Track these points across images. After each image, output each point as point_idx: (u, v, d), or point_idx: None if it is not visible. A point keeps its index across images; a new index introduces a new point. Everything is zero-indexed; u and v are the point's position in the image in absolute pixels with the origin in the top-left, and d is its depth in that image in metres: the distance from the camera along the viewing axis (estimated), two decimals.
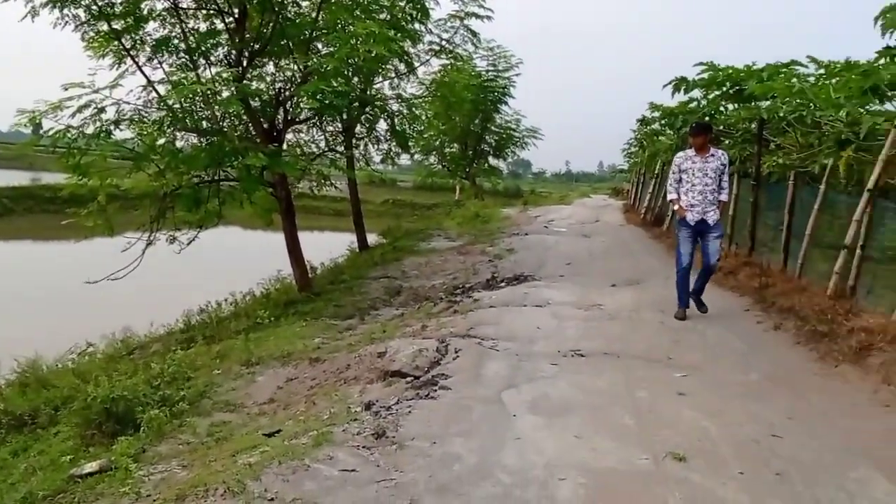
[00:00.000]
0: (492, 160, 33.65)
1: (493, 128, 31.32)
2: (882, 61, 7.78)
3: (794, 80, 10.44)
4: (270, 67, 11.36)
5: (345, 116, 13.29)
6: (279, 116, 11.02)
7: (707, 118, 12.58)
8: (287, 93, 10.97)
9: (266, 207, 10.88)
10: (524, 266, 11.12)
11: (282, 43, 10.26)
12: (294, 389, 5.83)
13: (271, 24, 9.93)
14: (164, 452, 4.50)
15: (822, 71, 9.68)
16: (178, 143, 10.57)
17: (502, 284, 9.67)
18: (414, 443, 3.79)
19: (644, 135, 20.79)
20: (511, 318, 7.19)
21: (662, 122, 16.29)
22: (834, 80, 9.13)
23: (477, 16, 14.30)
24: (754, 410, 4.46)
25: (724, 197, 7.08)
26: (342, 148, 14.22)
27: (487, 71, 28.73)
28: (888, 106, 8.11)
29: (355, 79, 12.70)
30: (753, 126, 10.65)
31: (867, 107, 8.06)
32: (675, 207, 7.24)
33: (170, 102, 9.26)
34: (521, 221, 21.06)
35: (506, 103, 30.15)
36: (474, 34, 14.82)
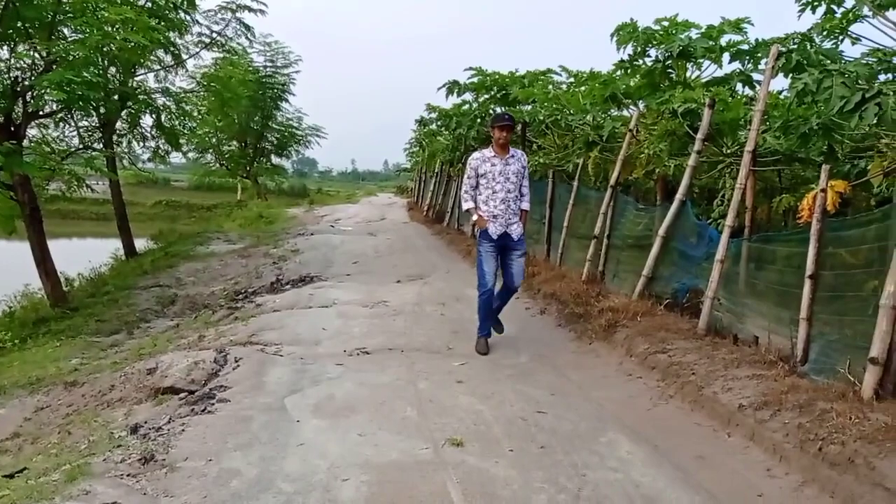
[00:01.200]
0: (275, 159, 32.75)
1: (274, 125, 30.44)
2: (618, 73, 8.90)
3: (551, 87, 11.55)
4: (4, 52, 9.87)
5: (102, 111, 11.99)
6: (17, 109, 9.61)
7: (479, 120, 13.45)
8: (27, 83, 9.60)
9: (5, 213, 9.46)
10: (310, 267, 10.96)
11: (18, 25, 8.95)
12: (45, 420, 5.14)
13: (2, 4, 8.62)
14: None
15: (572, 79, 10.84)
16: None
17: (287, 287, 9.43)
18: (187, 463, 3.53)
19: (423, 135, 21.57)
20: (296, 321, 7.03)
21: (439, 122, 17.07)
22: (582, 88, 10.27)
23: (250, 9, 13.81)
24: (522, 390, 4.84)
25: (525, 205, 6.04)
26: (101, 145, 12.83)
27: (265, 66, 27.87)
28: (626, 112, 9.28)
29: (112, 69, 11.50)
30: (518, 128, 11.53)
31: (609, 112, 9.17)
32: (475, 218, 6.03)
33: None
34: (308, 221, 20.75)
35: (286, 100, 29.47)
36: (248, 28, 14.28)
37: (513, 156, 5.97)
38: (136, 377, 5.47)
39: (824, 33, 5.67)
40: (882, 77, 5.03)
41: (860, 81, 4.31)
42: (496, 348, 6.09)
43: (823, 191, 4.51)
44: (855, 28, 5.44)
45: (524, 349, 6.09)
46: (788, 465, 3.53)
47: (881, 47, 5.19)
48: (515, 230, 5.93)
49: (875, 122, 3.96)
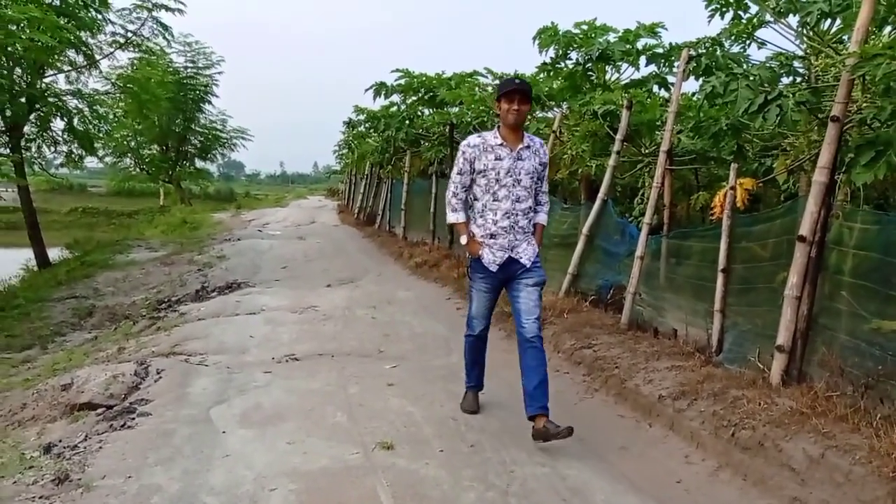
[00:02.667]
0: (199, 162, 31.77)
1: (196, 128, 29.53)
2: (541, 76, 9.08)
3: (477, 88, 11.67)
4: None
5: (8, 114, 11.34)
6: None
7: (407, 121, 13.46)
8: None
9: None
10: (237, 273, 10.70)
11: None
12: None
13: None
14: None
15: (497, 81, 10.97)
16: None
17: (213, 294, 9.18)
18: (105, 481, 3.38)
19: (352, 137, 21.41)
20: (222, 329, 6.84)
21: (367, 125, 16.99)
22: None
23: (167, 8, 13.33)
24: (453, 390, 4.87)
25: (542, 218, 4.17)
26: (7, 150, 12.12)
27: (186, 67, 27.01)
28: (549, 114, 9.50)
29: (18, 70, 10.90)
30: (446, 129, 11.63)
31: (534, 114, 9.35)
32: (463, 239, 4.15)
33: None
34: (235, 226, 20.26)
35: (209, 102, 28.65)
36: (165, 27, 13.81)
37: (528, 146, 3.97)
38: (49, 394, 5.20)
39: (732, 38, 5.97)
40: (784, 80, 5.33)
41: (764, 84, 4.56)
42: (427, 349, 6.10)
43: (733, 188, 4.75)
44: (761, 33, 5.74)
45: (455, 349, 6.12)
46: (705, 452, 3.70)
47: (783, 51, 5.50)
48: (527, 252, 4.00)
49: (777, 122, 4.19)
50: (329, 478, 3.42)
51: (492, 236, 4.01)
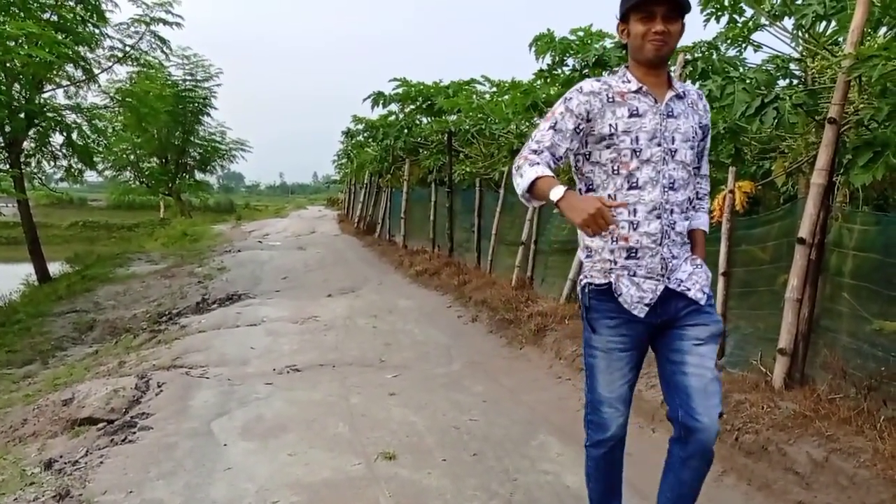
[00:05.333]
0: (198, 174, 31.80)
1: (196, 140, 29.58)
2: (538, 82, 9.10)
3: (474, 96, 11.71)
4: None
5: (7, 129, 11.37)
6: None
7: (406, 130, 13.48)
8: None
9: None
10: (237, 285, 10.70)
11: None
12: None
13: None
14: None
15: (494, 89, 11.01)
16: None
17: (213, 306, 9.17)
18: (106, 497, 3.36)
19: (351, 147, 21.44)
20: (222, 341, 6.83)
21: (366, 134, 17.02)
22: (505, 97, 10.45)
23: (165, 22, 13.40)
24: (455, 398, 4.86)
25: (704, 220, 2.52)
26: (7, 165, 12.15)
27: (184, 80, 27.08)
28: None
29: (17, 85, 10.93)
30: (444, 138, 11.65)
31: (531, 120, 9.36)
32: (556, 193, 2.08)
33: None
34: (235, 237, 20.26)
35: (208, 114, 28.72)
36: (164, 41, 13.86)
37: (680, 94, 2.35)
38: (50, 409, 5.18)
39: (728, 41, 5.98)
40: (781, 83, 5.33)
41: (761, 87, 4.56)
42: (428, 358, 6.09)
43: (731, 192, 4.75)
44: (756, 36, 5.75)
45: (456, 357, 6.12)
46: None
47: (779, 54, 5.51)
48: (693, 278, 2.36)
49: (774, 125, 4.18)
50: (331, 489, 3.40)
51: (631, 253, 2.28)
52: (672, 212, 2.30)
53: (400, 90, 12.56)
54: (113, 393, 5.20)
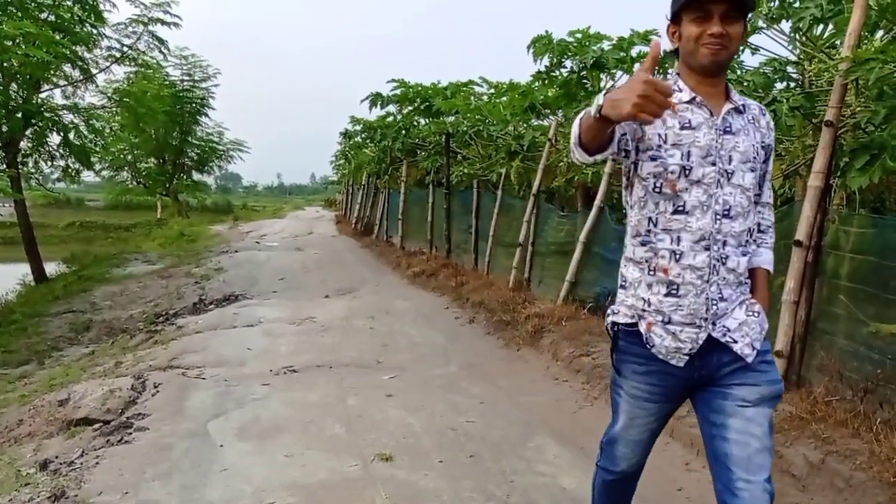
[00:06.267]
0: (196, 175, 31.76)
1: (193, 140, 29.56)
2: (536, 84, 9.11)
3: (472, 98, 11.72)
4: None
5: (4, 129, 11.34)
6: None
7: (404, 131, 13.49)
8: None
9: None
10: (234, 285, 10.68)
11: None
12: None
13: None
14: None
15: (492, 90, 11.02)
16: None
17: (210, 307, 9.15)
18: (101, 498, 3.35)
19: (349, 147, 21.45)
20: (219, 341, 6.82)
21: (364, 135, 17.03)
22: (502, 99, 10.47)
23: (163, 22, 13.37)
24: (452, 400, 4.85)
25: (768, 257, 2.11)
26: (4, 165, 12.12)
27: (182, 80, 27.06)
28: (545, 122, 9.52)
29: (14, 85, 10.91)
30: (442, 139, 11.64)
31: (529, 122, 9.37)
32: (599, 99, 1.69)
33: None
34: (232, 238, 20.24)
35: (206, 115, 28.70)
36: (161, 41, 13.84)
37: (739, 108, 1.98)
38: (46, 409, 5.16)
39: None
40: (778, 85, 5.34)
41: (758, 90, 4.57)
42: (426, 359, 6.08)
43: None
44: (754, 39, 5.76)
45: (454, 359, 6.12)
46: (705, 459, 3.66)
47: (777, 57, 5.52)
48: (745, 329, 1.96)
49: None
50: (328, 490, 3.40)
51: (672, 290, 1.93)
52: (725, 244, 1.91)
53: (398, 91, 12.58)
54: (109, 393, 5.19)
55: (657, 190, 1.93)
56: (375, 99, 13.15)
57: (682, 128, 1.91)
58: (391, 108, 13.58)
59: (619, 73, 7.97)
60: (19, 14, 9.41)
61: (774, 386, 1.95)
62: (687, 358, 1.96)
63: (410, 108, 13.12)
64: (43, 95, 12.49)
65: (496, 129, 9.59)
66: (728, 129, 1.94)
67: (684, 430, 3.93)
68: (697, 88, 1.95)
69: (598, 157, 1.86)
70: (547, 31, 8.04)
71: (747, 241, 1.98)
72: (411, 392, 5.10)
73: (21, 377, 7.08)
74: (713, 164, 1.90)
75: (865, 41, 4.41)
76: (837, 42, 4.72)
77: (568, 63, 8.13)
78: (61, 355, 7.94)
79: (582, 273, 6.87)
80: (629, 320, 2.02)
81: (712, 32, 1.87)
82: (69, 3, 10.74)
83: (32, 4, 9.85)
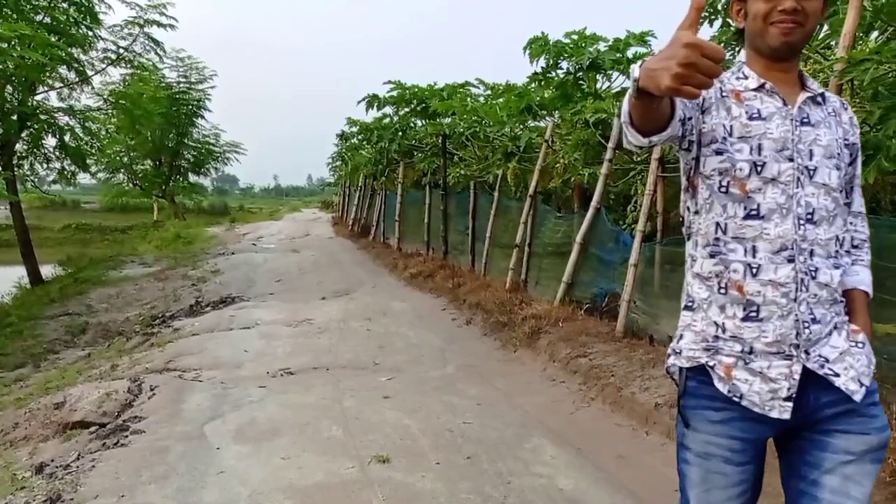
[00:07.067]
0: (192, 177, 31.73)
1: (190, 142, 29.53)
2: (533, 85, 9.12)
3: (469, 99, 11.72)
4: None
5: None
6: None
7: (400, 133, 13.48)
8: None
9: None
10: (231, 287, 10.67)
11: None
12: None
13: None
14: None
15: (489, 92, 11.03)
16: None
17: (207, 309, 9.14)
18: (97, 501, 3.34)
19: (346, 149, 21.43)
20: (216, 344, 6.81)
21: (360, 136, 17.02)
22: (499, 100, 10.48)
23: (159, 24, 13.36)
24: (449, 401, 4.85)
25: (865, 275, 1.75)
26: None
27: (179, 82, 27.03)
28: (541, 123, 9.53)
29: (9, 87, 10.88)
30: (439, 140, 11.64)
31: (525, 123, 9.38)
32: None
33: None
34: (229, 240, 20.20)
35: (202, 117, 28.68)
36: (157, 43, 13.84)
37: (816, 97, 1.67)
38: (42, 413, 5.14)
39: (721, 45, 6.00)
40: None
41: None
42: (423, 361, 6.08)
43: None
44: None
45: (451, 360, 6.11)
46: None
47: None
48: (846, 359, 1.59)
49: None
50: (324, 493, 3.39)
51: (750, 312, 1.58)
52: (812, 253, 1.58)
53: (394, 93, 12.59)
54: (105, 396, 5.17)
55: (723, 190, 1.60)
56: (372, 100, 13.16)
57: (751, 118, 1.61)
58: (388, 109, 13.59)
59: (616, 74, 8.00)
60: (14, 16, 9.38)
61: (882, 434, 1.57)
62: (790, 406, 1.53)
63: (407, 109, 13.13)
64: (38, 97, 12.48)
65: (493, 131, 9.59)
66: (805, 119, 1.63)
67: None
68: (766, 74, 1.65)
69: (656, 140, 1.52)
70: (543, 33, 8.06)
71: (837, 251, 1.64)
72: (408, 394, 5.09)
73: (17, 380, 7.06)
74: (790, 159, 1.59)
75: (860, 42, 4.42)
76: (832, 43, 4.74)
77: (564, 64, 8.16)
78: (57, 358, 7.92)
79: (578, 274, 6.87)
80: (698, 354, 1.63)
81: (784, 8, 1.58)
82: (65, 4, 10.73)
83: (28, 6, 9.82)
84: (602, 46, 7.80)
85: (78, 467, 3.83)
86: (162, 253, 17.46)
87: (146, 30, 13.52)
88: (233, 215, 36.68)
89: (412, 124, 13.32)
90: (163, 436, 4.27)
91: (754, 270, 1.57)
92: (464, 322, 7.55)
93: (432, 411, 4.64)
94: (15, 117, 11.29)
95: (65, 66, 11.51)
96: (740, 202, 1.58)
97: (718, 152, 1.60)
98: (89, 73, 12.70)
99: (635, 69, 1.35)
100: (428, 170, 12.60)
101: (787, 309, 1.55)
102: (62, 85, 12.51)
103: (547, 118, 8.84)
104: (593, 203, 6.60)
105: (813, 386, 1.56)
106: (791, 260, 1.56)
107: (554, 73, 8.32)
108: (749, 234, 1.58)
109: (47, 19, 10.40)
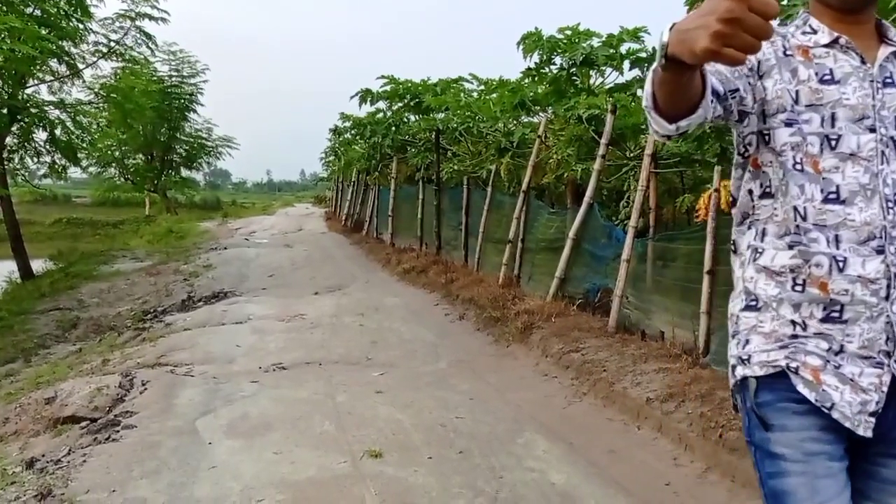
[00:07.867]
0: (184, 171, 31.58)
1: (182, 137, 29.39)
2: (526, 81, 9.12)
3: (462, 94, 11.71)
4: None
5: None
6: None
7: (393, 128, 13.46)
8: None
9: None
10: (223, 282, 10.63)
11: None
12: None
13: None
14: None
15: (482, 87, 11.03)
16: None
17: (199, 304, 9.11)
18: (89, 496, 3.34)
19: (339, 144, 21.38)
20: (208, 339, 6.79)
21: (353, 131, 16.99)
22: (493, 96, 10.47)
23: (150, 17, 13.28)
24: (442, 396, 4.86)
25: None
26: None
27: (170, 76, 26.88)
28: (535, 118, 9.53)
29: None
30: (432, 136, 11.63)
31: (519, 119, 9.39)
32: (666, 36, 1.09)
33: None
34: (221, 235, 20.14)
35: (194, 111, 28.55)
36: (149, 36, 13.75)
37: None
38: (32, 408, 5.12)
39: None
40: None
41: None
42: (415, 356, 6.08)
43: (717, 190, 4.77)
44: None
45: (443, 355, 6.12)
46: (693, 454, 3.70)
47: None
48: None
49: None
50: (317, 487, 3.39)
51: (833, 312, 1.33)
52: None
53: (388, 88, 12.57)
54: (96, 391, 5.15)
55: (798, 168, 1.34)
56: (365, 95, 13.13)
57: (822, 81, 1.34)
58: (381, 104, 13.58)
59: (609, 70, 8.01)
60: (4, 8, 9.30)
61: None
62: (874, 422, 1.31)
63: (400, 104, 13.11)
64: (29, 91, 12.39)
65: (486, 126, 9.59)
66: (889, 80, 1.36)
67: (672, 424, 3.95)
68: (836, 27, 1.38)
69: (685, 126, 1.24)
70: (537, 28, 8.06)
71: None
72: (401, 389, 5.09)
73: (7, 375, 7.02)
74: (872, 129, 1.33)
75: None
76: None
77: (558, 60, 8.16)
78: (48, 353, 7.88)
79: (571, 269, 6.88)
80: (774, 356, 1.37)
81: None
82: None
83: None
84: (595, 42, 7.81)
85: (69, 462, 3.82)
86: (154, 248, 17.39)
87: (138, 23, 13.45)
88: (225, 210, 36.50)
89: (405, 119, 13.31)
90: (154, 430, 4.26)
91: (840, 265, 1.32)
92: (457, 317, 7.56)
93: (425, 406, 4.64)
94: (5, 111, 11.21)
95: (55, 60, 11.44)
96: (815, 183, 1.34)
97: (788, 123, 1.35)
98: (80, 66, 12.63)
99: (665, 32, 1.10)
100: (421, 165, 12.59)
101: (877, 309, 1.30)
102: (53, 78, 12.43)
103: (540, 114, 8.84)
104: (586, 199, 6.61)
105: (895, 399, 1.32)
106: (880, 251, 1.31)
107: (547, 69, 8.32)
108: (831, 221, 1.32)
109: (38, 12, 10.31)
